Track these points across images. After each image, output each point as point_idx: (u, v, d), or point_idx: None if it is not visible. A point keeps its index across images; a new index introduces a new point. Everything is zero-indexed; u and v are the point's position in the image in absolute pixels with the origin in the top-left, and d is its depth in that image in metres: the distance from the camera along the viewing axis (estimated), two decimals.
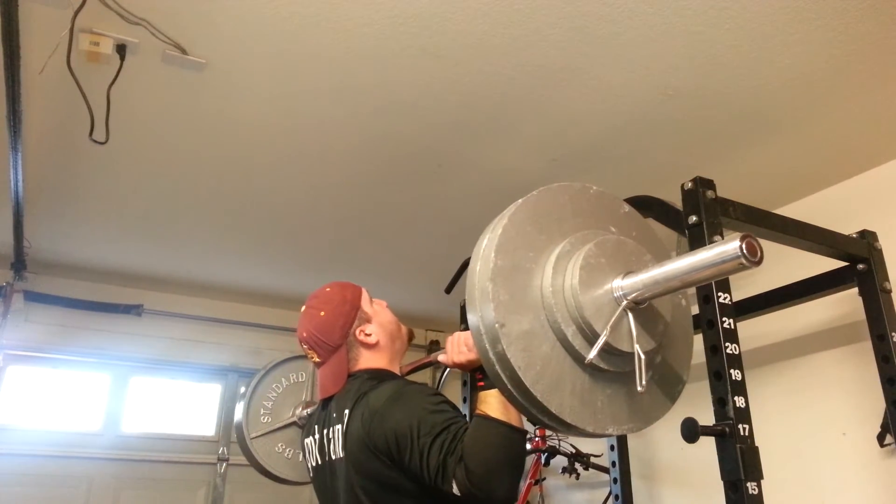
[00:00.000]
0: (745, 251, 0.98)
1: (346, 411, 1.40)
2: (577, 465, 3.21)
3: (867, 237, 1.96)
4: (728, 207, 1.65)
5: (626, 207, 1.36)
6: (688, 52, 1.95)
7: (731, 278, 1.54)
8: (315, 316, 1.54)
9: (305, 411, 2.17)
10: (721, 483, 1.37)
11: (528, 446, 3.43)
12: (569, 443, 3.33)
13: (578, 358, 1.12)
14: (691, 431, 1.36)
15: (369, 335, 1.53)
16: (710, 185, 1.63)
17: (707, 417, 1.43)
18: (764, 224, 1.75)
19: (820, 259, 1.97)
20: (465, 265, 2.35)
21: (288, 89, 2.17)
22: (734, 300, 1.52)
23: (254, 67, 2.07)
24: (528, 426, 1.24)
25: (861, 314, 1.94)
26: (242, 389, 2.20)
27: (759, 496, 1.32)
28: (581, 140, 2.44)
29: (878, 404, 2.02)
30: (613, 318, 1.11)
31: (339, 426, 1.41)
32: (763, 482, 1.34)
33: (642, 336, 1.14)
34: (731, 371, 1.41)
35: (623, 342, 1.12)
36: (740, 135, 2.37)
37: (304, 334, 1.55)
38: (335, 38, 1.93)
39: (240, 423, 2.12)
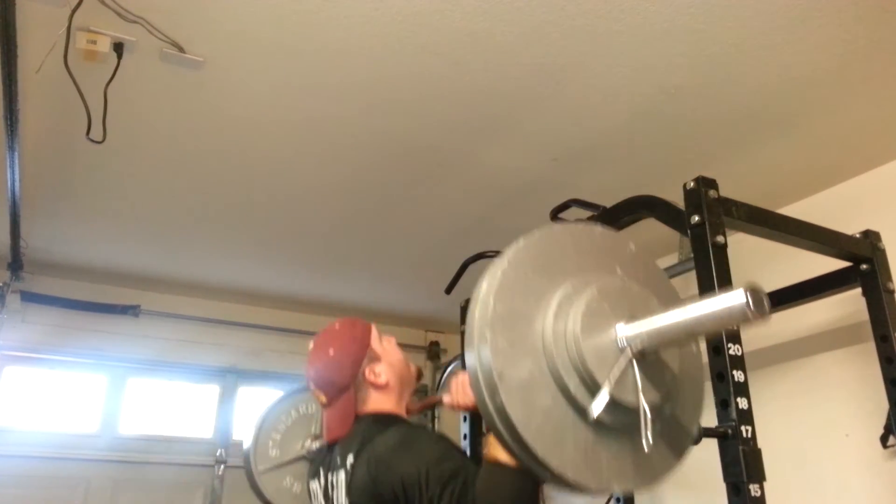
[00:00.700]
0: (751, 303, 0.92)
1: (350, 456, 1.35)
2: None
3: (870, 237, 1.95)
4: (730, 207, 1.64)
5: (633, 246, 1.30)
6: (690, 51, 1.94)
7: (734, 280, 1.53)
8: (323, 354, 1.49)
9: (314, 444, 2.12)
10: (723, 485, 1.36)
11: None
12: None
13: (581, 412, 1.05)
14: None
15: (379, 375, 1.47)
16: (712, 184, 1.62)
17: (709, 419, 1.41)
18: (766, 224, 1.74)
19: (823, 259, 1.96)
20: (466, 265, 2.35)
21: (286, 88, 2.16)
22: None
23: (252, 66, 2.05)
24: None
25: (864, 315, 1.93)
26: (253, 421, 2.15)
27: (762, 498, 1.31)
28: (582, 139, 2.42)
29: (882, 405, 2.00)
30: (617, 370, 1.04)
31: (342, 473, 1.36)
32: (766, 484, 1.33)
33: (648, 389, 1.06)
34: (734, 372, 1.40)
35: (628, 395, 1.05)
36: (743, 134, 2.36)
37: (312, 373, 1.50)
38: (334, 37, 1.92)
39: (248, 454, 2.07)
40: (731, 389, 1.38)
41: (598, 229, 1.26)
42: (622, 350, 1.06)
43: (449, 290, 2.42)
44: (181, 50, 1.95)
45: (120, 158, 2.58)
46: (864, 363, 2.27)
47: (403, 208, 3.03)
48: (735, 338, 1.45)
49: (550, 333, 1.07)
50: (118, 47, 1.93)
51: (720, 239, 1.54)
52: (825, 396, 2.49)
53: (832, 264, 1.98)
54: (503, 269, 1.09)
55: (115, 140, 2.26)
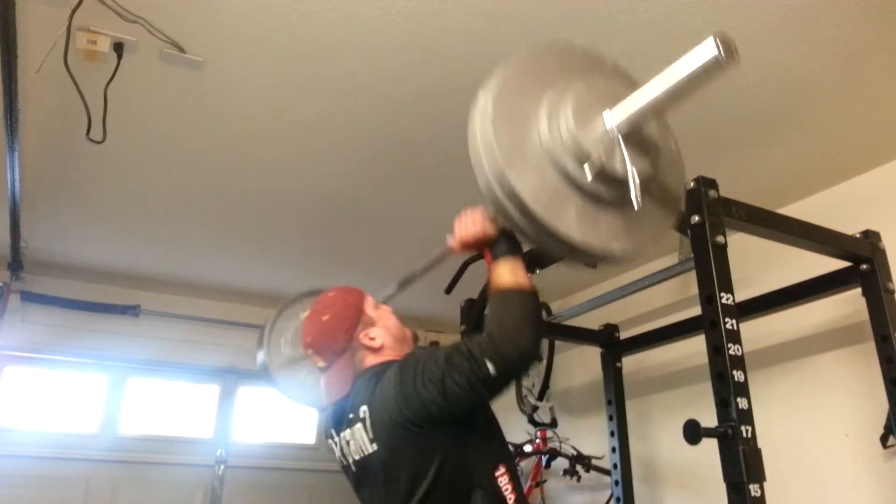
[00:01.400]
0: (720, 48, 1.06)
1: (364, 407, 1.40)
2: (579, 468, 3.19)
3: (870, 237, 1.95)
4: (731, 207, 1.64)
5: (611, 63, 1.43)
6: (690, 51, 1.93)
7: (734, 280, 1.53)
8: (318, 320, 1.56)
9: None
10: (723, 485, 1.36)
11: (529, 448, 3.41)
12: (570, 445, 3.31)
13: (580, 189, 1.21)
14: (694, 433, 1.35)
15: (373, 339, 1.53)
16: (712, 184, 1.63)
17: (709, 419, 1.41)
18: (767, 224, 1.75)
19: (823, 259, 1.96)
20: (465, 266, 2.35)
21: (286, 87, 2.16)
22: (737, 301, 1.51)
23: (252, 65, 2.05)
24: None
25: (864, 315, 1.93)
26: (260, 334, 2.15)
27: (762, 498, 1.32)
28: None
29: (882, 406, 2.01)
30: (606, 144, 1.20)
31: (358, 425, 1.40)
32: (766, 484, 1.33)
33: (635, 158, 1.22)
34: (734, 372, 1.41)
35: (617, 165, 1.20)
36: (743, 134, 2.35)
37: (308, 339, 1.56)
38: (334, 36, 1.92)
39: (264, 363, 2.08)
40: (731, 389, 1.39)
41: (579, 46, 1.40)
42: (610, 132, 1.22)
43: (449, 290, 2.42)
44: (181, 50, 1.95)
45: (120, 158, 2.58)
46: (864, 363, 2.27)
47: (403, 208, 3.03)
48: (735, 338, 1.45)
49: (546, 129, 1.23)
50: (118, 47, 1.93)
51: (720, 239, 1.55)
52: (825, 397, 2.49)
53: (832, 264, 1.98)
54: (497, 81, 1.24)
55: (115, 140, 2.26)
